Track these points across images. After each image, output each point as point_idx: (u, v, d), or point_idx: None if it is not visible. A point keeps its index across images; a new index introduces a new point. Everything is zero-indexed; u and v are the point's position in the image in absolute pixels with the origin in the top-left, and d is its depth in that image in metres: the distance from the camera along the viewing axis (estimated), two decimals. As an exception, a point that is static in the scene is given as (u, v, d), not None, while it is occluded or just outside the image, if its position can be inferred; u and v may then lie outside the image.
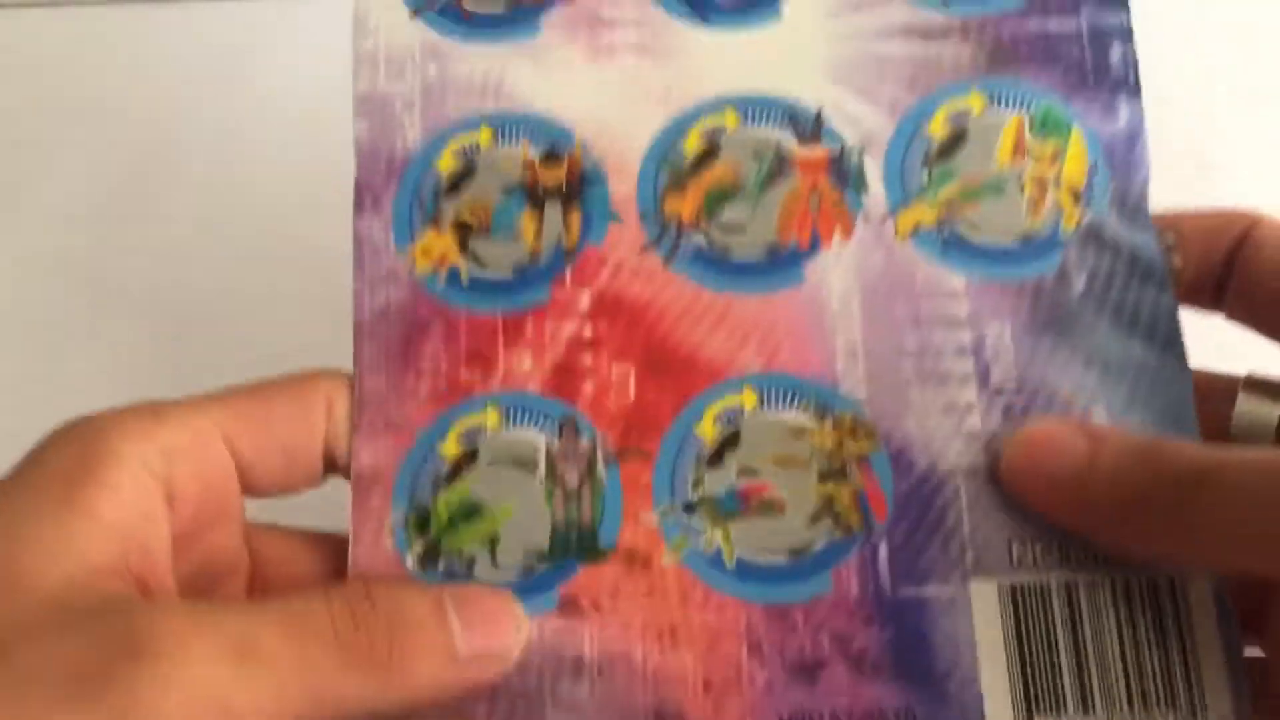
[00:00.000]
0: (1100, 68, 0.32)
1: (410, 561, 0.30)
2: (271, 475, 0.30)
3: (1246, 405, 0.31)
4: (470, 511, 0.30)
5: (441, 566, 0.30)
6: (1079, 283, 0.31)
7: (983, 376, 0.30)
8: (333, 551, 0.32)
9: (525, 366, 0.31)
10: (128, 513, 0.27)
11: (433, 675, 0.27)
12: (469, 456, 0.31)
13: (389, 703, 0.27)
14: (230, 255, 0.46)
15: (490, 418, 0.31)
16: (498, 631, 0.28)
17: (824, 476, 0.30)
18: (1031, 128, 0.32)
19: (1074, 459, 0.28)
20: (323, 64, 0.36)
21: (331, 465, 0.31)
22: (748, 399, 0.31)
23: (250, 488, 0.30)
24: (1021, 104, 0.32)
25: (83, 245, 0.44)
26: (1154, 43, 0.34)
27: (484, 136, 0.33)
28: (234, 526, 0.30)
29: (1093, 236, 0.31)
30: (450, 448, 0.31)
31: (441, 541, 0.30)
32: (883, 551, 0.29)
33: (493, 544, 0.30)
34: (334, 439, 0.31)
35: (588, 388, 0.31)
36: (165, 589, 0.28)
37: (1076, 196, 0.32)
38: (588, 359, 0.31)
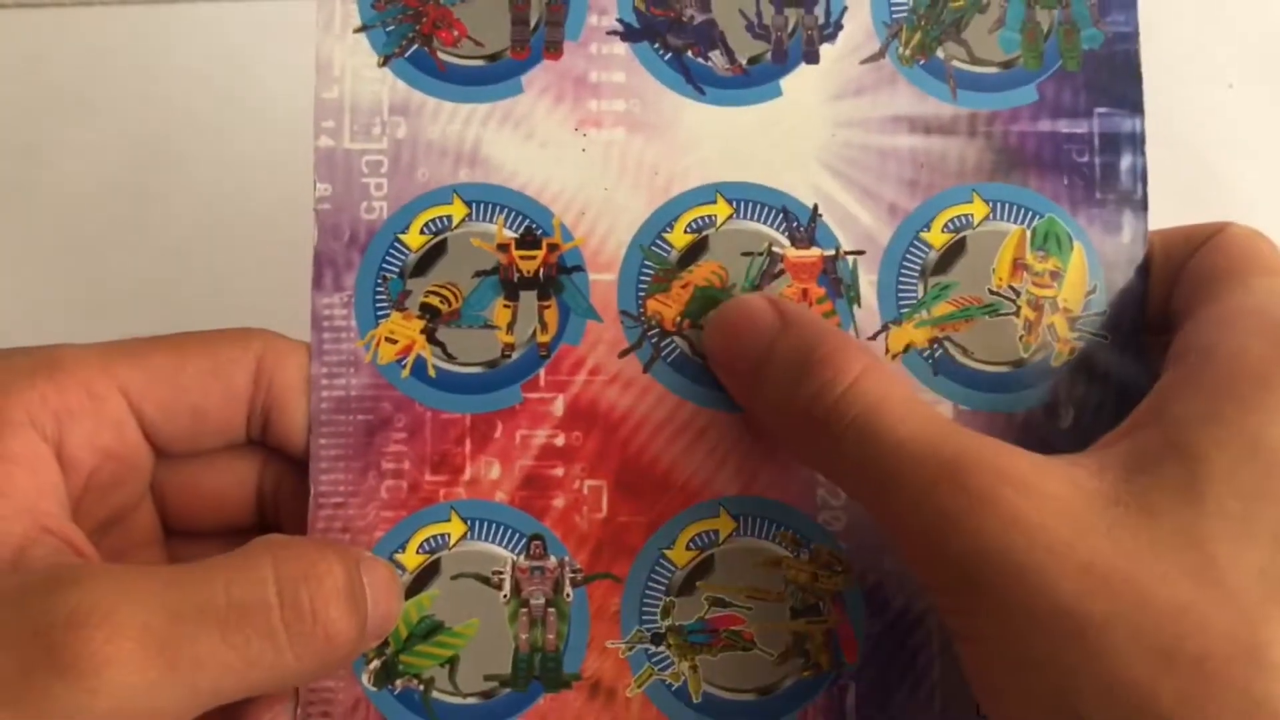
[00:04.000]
0: (1108, 178, 0.31)
1: (365, 678, 0.29)
2: (179, 436, 0.29)
3: None
4: (430, 630, 0.29)
5: (398, 686, 0.29)
6: (1067, 416, 0.30)
7: None
8: (241, 478, 0.31)
9: (493, 475, 0.30)
10: (29, 481, 0.26)
11: (348, 652, 0.26)
12: (430, 569, 0.29)
13: (307, 679, 0.27)
14: (230, 256, 0.45)
15: (454, 528, 0.30)
16: (393, 609, 0.28)
17: (797, 613, 0.29)
18: (1033, 242, 0.31)
19: (756, 341, 0.28)
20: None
21: (266, 427, 0.30)
22: (724, 524, 0.30)
23: (159, 447, 0.29)
24: (1025, 216, 0.31)
25: (81, 245, 0.44)
26: (1155, 41, 0.32)
27: (456, 210, 0.31)
28: (140, 483, 0.29)
29: (1084, 368, 0.30)
30: (410, 559, 0.29)
31: (399, 659, 0.29)
32: (851, 695, 0.29)
33: (452, 664, 0.29)
34: (266, 402, 0.30)
35: (558, 502, 0.30)
36: (88, 551, 0.27)
37: (1072, 322, 0.30)
38: (559, 470, 0.30)
